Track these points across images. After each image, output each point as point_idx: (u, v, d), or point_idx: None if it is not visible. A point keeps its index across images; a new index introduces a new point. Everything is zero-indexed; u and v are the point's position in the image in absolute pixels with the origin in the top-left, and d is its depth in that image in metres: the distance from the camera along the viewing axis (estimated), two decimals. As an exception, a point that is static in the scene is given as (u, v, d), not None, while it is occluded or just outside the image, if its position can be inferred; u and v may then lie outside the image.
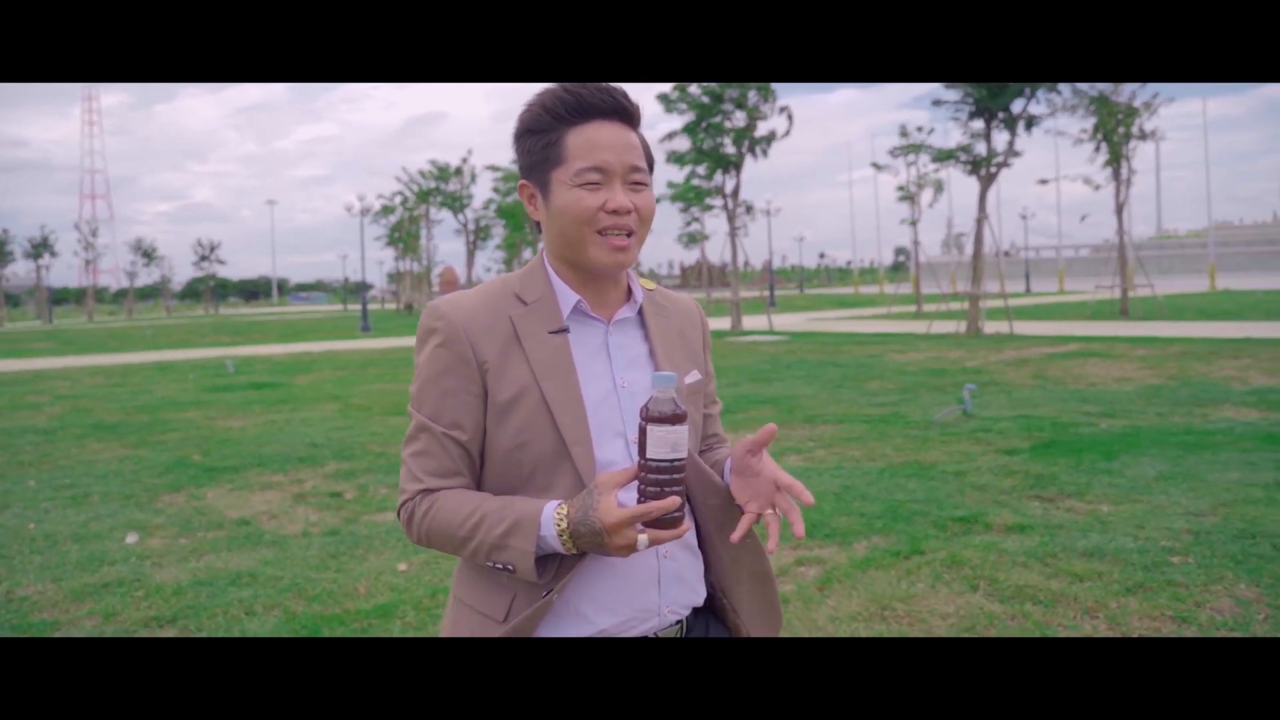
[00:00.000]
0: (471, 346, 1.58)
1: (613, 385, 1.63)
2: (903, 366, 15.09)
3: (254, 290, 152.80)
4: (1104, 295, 31.88)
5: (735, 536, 1.57)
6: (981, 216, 22.35)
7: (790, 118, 28.04)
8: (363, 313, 36.94)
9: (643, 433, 1.45)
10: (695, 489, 1.67)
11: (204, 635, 4.39)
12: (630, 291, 1.70)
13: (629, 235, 1.59)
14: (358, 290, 56.86)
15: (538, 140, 1.61)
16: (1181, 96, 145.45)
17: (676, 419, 1.43)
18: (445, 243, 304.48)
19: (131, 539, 6.11)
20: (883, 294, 53.41)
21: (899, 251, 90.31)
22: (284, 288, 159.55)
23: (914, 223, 37.01)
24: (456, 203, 45.82)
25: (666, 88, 29.53)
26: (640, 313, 1.71)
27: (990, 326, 22.71)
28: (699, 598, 1.70)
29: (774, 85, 28.93)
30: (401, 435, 7.79)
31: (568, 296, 1.63)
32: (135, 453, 9.37)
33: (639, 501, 1.45)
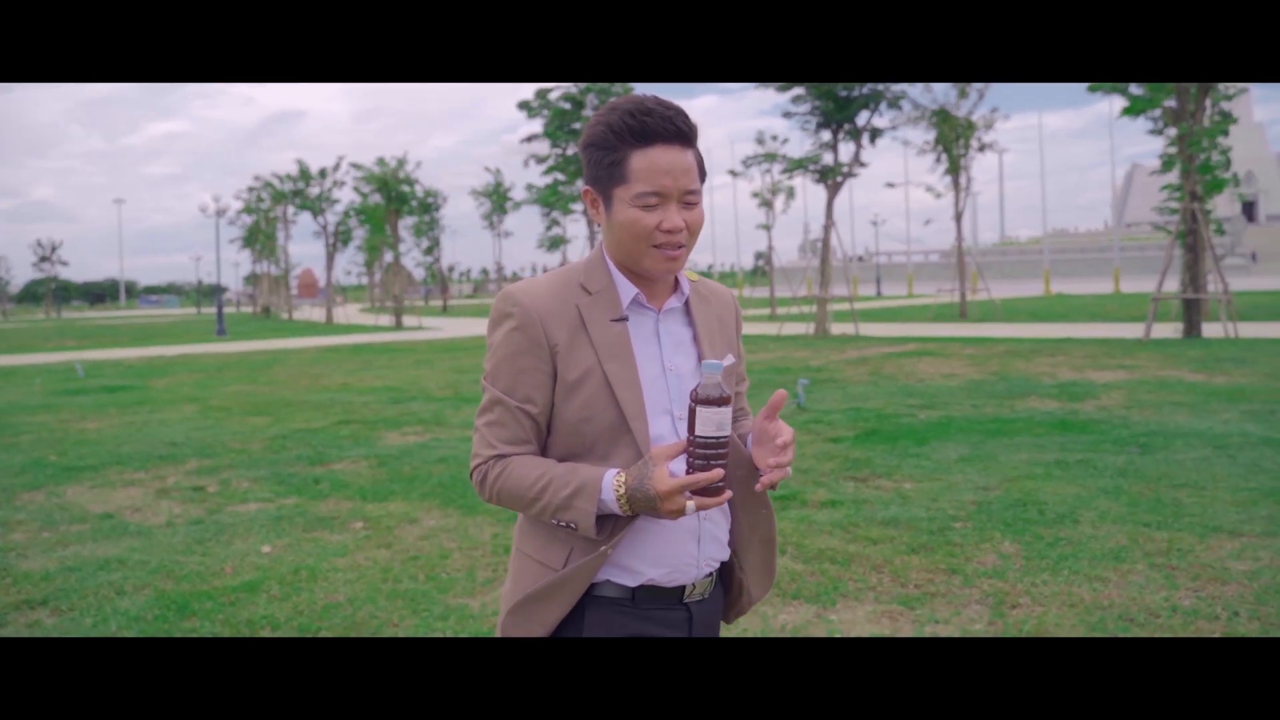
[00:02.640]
0: (544, 331, 1.77)
1: (662, 369, 1.82)
2: (751, 366, 15.86)
3: (100, 293, 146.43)
4: (945, 299, 33.72)
5: (758, 486, 1.77)
6: (829, 223, 23.48)
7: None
8: (218, 316, 36.22)
9: (692, 413, 1.63)
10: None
11: (74, 615, 4.68)
12: (678, 284, 1.90)
13: (679, 247, 1.78)
14: (212, 293, 55.23)
15: (604, 156, 1.77)
16: (1019, 110, 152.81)
17: (722, 401, 1.63)
18: (304, 245, 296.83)
19: (-7, 533, 6.26)
20: (741, 297, 54.87)
21: (758, 256, 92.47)
22: (133, 291, 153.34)
23: (769, 228, 38.34)
24: (316, 204, 45.15)
25: (529, 92, 30.03)
26: (686, 303, 1.91)
27: (837, 328, 23.86)
28: (726, 554, 1.93)
29: (636, 89, 29.79)
30: (261, 434, 8.12)
31: (627, 289, 1.83)
32: (-13, 455, 9.34)
33: (687, 473, 1.65)
